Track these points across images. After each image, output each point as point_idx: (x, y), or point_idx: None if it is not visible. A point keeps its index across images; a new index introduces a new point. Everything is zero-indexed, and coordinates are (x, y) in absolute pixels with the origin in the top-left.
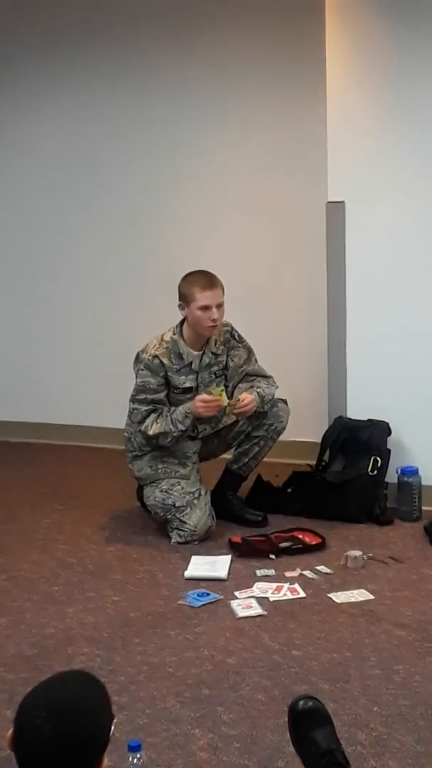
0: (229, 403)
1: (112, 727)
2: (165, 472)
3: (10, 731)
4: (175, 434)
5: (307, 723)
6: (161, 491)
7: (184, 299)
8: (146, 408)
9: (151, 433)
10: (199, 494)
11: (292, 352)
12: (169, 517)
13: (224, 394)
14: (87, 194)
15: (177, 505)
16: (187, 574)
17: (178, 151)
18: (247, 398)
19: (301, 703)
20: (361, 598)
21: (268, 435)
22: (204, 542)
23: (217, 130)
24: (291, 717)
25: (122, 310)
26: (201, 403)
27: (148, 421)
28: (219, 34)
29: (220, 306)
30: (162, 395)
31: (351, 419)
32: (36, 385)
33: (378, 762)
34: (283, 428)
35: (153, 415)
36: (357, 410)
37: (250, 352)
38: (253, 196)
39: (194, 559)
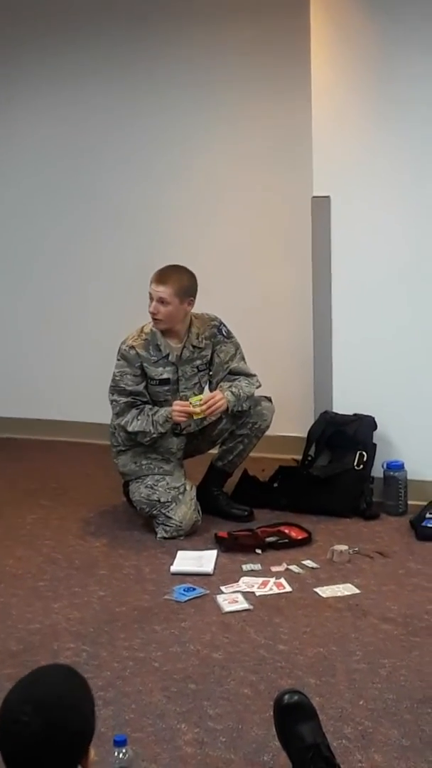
0: (194, 404)
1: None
2: (149, 468)
3: None
4: (153, 435)
5: (293, 717)
6: (146, 487)
7: None
8: (125, 400)
9: (130, 429)
10: (184, 489)
11: (278, 346)
12: (154, 512)
13: (200, 407)
14: (78, 190)
15: (162, 500)
16: (173, 569)
17: (168, 148)
18: (215, 396)
19: (287, 697)
20: (347, 593)
21: (252, 433)
22: (190, 537)
23: (207, 126)
24: (276, 711)
25: (110, 306)
26: (177, 408)
27: (129, 416)
28: (209, 31)
29: (161, 301)
30: (141, 387)
31: (337, 414)
32: (23, 381)
33: (364, 756)
34: (267, 426)
35: (134, 411)
36: (343, 405)
37: (237, 348)
38: (243, 191)
39: (180, 554)
